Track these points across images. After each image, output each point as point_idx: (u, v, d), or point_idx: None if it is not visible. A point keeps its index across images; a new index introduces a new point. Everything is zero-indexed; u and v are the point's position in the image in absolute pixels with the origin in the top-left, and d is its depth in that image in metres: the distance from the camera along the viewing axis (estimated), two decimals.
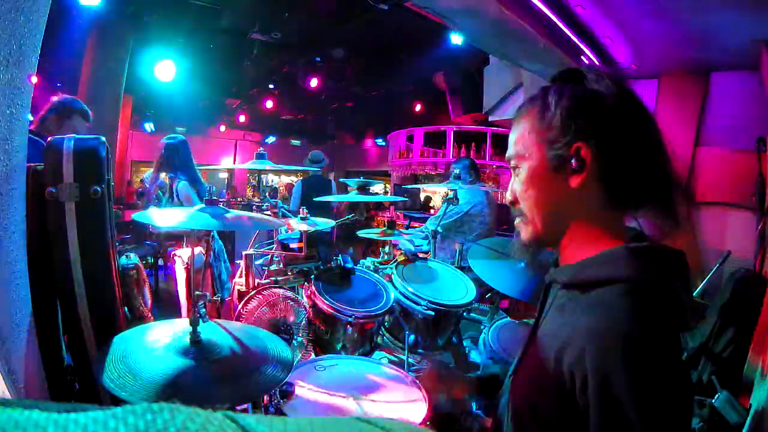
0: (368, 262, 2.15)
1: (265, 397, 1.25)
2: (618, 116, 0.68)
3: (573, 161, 0.68)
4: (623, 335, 0.58)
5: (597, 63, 2.94)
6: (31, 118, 1.11)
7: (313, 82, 7.87)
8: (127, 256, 1.71)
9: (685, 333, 1.93)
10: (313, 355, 1.65)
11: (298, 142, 14.28)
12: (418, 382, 1.34)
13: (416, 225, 3.85)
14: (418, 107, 10.52)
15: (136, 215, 1.07)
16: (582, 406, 0.58)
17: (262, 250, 1.91)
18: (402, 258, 1.97)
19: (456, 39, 4.61)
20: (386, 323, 1.83)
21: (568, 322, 0.66)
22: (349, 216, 2.62)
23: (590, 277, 0.66)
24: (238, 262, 1.92)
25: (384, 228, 2.17)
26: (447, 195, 2.40)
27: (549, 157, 0.70)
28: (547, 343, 0.67)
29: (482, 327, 1.88)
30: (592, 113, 0.68)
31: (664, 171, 0.69)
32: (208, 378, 1.02)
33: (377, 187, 12.88)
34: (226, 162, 13.15)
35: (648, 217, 0.71)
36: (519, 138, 0.75)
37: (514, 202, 0.78)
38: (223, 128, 12.65)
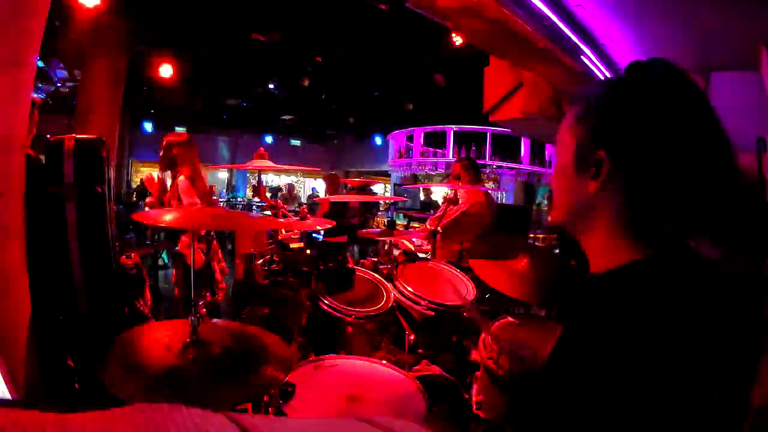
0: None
1: (265, 397, 1.25)
2: (661, 130, 0.62)
3: (592, 167, 0.66)
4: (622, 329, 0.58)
5: (597, 63, 2.94)
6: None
7: (308, 83, 7.92)
8: (127, 256, 1.70)
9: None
10: (313, 355, 1.65)
11: (298, 142, 14.29)
12: (418, 381, 1.34)
13: (416, 225, 3.85)
14: (417, 107, 10.52)
15: (136, 215, 1.07)
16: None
17: (261, 250, 1.91)
18: (402, 258, 1.97)
19: (456, 39, 4.62)
20: (386, 323, 1.83)
21: (585, 330, 0.66)
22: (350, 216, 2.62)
23: (602, 294, 0.65)
24: (237, 262, 1.92)
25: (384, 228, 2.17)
26: (447, 195, 2.40)
27: (575, 156, 0.69)
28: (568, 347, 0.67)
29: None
30: (629, 123, 0.63)
31: (716, 198, 0.62)
32: (208, 378, 1.02)
33: (376, 188, 12.87)
34: (226, 162, 13.17)
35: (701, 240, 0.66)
36: (563, 125, 0.73)
37: (550, 182, 0.78)
38: (223, 128, 12.66)
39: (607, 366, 0.57)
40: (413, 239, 2.77)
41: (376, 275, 1.90)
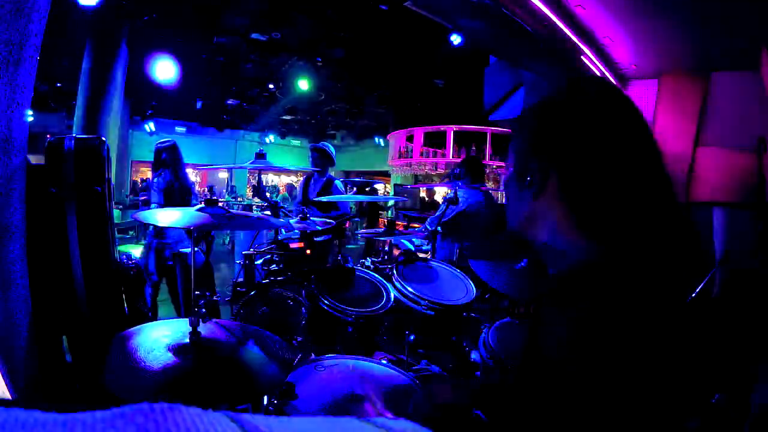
0: (368, 262, 2.15)
1: (265, 397, 1.25)
2: (588, 135, 0.66)
3: (528, 176, 0.71)
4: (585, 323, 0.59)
5: (597, 63, 2.94)
6: (31, 118, 1.11)
7: (307, 84, 7.92)
8: (127, 256, 1.71)
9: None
10: (313, 355, 1.65)
11: (298, 142, 14.29)
12: (417, 382, 1.34)
13: (416, 225, 3.85)
14: (418, 107, 10.52)
15: (136, 215, 1.07)
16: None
17: (262, 250, 1.92)
18: (402, 258, 1.97)
19: (456, 39, 4.63)
20: (386, 323, 1.83)
21: (550, 329, 0.68)
22: (347, 215, 2.61)
23: (561, 292, 0.67)
24: (238, 262, 1.92)
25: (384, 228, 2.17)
26: (447, 195, 2.40)
27: (516, 168, 0.75)
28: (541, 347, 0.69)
29: (482, 327, 1.87)
30: (556, 133, 0.68)
31: (644, 196, 0.65)
32: (208, 378, 1.02)
33: (377, 187, 12.85)
34: (226, 162, 13.16)
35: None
36: (511, 143, 0.79)
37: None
38: (222, 128, 12.66)
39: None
40: (413, 239, 2.77)
41: (376, 275, 1.90)
